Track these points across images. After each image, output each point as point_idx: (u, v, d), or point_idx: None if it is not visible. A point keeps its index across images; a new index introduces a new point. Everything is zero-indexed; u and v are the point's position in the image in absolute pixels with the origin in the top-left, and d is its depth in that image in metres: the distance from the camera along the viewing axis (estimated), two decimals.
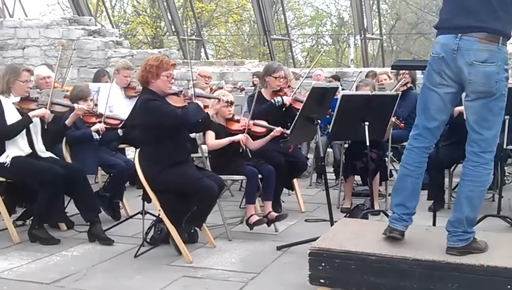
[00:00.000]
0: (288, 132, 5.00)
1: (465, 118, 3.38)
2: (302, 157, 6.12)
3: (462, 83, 3.27)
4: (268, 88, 5.82)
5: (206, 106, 4.95)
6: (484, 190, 3.37)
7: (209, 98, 5.12)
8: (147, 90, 4.46)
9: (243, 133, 5.13)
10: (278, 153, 5.52)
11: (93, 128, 5.37)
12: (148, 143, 4.43)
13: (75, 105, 5.15)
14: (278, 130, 5.26)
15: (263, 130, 5.30)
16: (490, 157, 3.30)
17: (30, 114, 4.80)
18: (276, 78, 5.73)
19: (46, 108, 4.86)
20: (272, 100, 5.61)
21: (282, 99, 5.61)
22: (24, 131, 4.84)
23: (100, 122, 5.46)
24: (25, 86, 4.92)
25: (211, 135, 5.01)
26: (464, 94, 3.36)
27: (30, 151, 4.84)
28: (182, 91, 4.67)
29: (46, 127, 4.96)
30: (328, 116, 5.86)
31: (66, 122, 5.09)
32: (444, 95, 3.35)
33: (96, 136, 5.36)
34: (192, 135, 5.07)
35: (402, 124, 6.18)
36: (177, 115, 4.40)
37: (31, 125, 4.88)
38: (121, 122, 5.61)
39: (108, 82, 7.35)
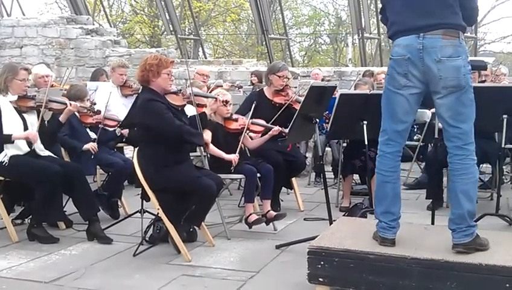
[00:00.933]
0: (287, 131, 5.00)
1: (437, 117, 3.42)
2: (300, 157, 6.13)
3: (429, 81, 3.28)
4: (271, 87, 5.83)
5: (203, 105, 4.95)
6: (476, 181, 3.39)
7: (207, 97, 5.13)
8: (147, 89, 4.45)
9: (242, 132, 5.13)
10: (277, 152, 5.52)
11: (84, 147, 5.35)
12: (147, 142, 4.43)
13: (69, 102, 5.11)
14: (275, 129, 5.27)
15: (261, 129, 5.31)
16: (473, 149, 3.33)
17: (13, 136, 4.74)
18: (280, 77, 5.75)
19: (34, 132, 4.82)
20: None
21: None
22: (22, 129, 4.83)
23: (99, 122, 5.45)
24: (23, 85, 4.92)
25: (207, 134, 5.00)
26: (433, 94, 3.35)
27: (28, 149, 4.84)
28: (180, 90, 4.67)
29: (41, 123, 4.93)
30: (325, 119, 5.88)
31: (60, 118, 5.05)
32: (410, 96, 3.36)
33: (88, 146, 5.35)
34: None
35: None
36: (175, 127, 4.35)
37: (29, 124, 4.88)
38: (118, 123, 5.61)
39: (106, 81, 7.36)
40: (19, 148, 4.80)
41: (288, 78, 5.85)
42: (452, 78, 3.22)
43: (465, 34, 3.39)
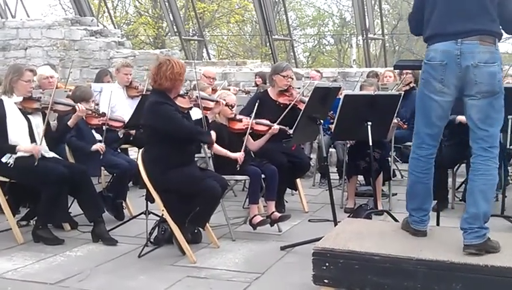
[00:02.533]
0: (291, 131, 5.00)
1: (465, 116, 3.47)
2: (305, 158, 6.12)
3: (464, 86, 3.35)
4: (275, 87, 5.83)
5: (209, 108, 4.95)
6: (495, 183, 3.45)
7: (212, 100, 5.11)
8: (157, 91, 4.42)
9: (245, 132, 5.13)
10: (281, 153, 5.52)
11: (93, 147, 5.36)
12: (153, 144, 4.43)
13: (78, 105, 5.14)
14: (275, 127, 5.27)
15: (265, 128, 5.31)
16: (497, 153, 3.40)
17: (17, 148, 4.73)
18: (284, 76, 5.75)
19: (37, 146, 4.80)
20: None
21: None
22: (27, 131, 4.84)
23: (103, 123, 5.45)
24: (28, 86, 4.93)
25: (212, 135, 5.00)
26: (465, 96, 3.41)
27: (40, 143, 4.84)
28: (187, 92, 4.67)
29: (46, 125, 4.94)
30: (330, 118, 5.87)
31: (69, 123, 5.09)
32: (444, 103, 3.44)
33: (97, 146, 5.36)
34: None
35: (405, 126, 6.19)
36: (185, 128, 4.39)
37: (33, 125, 4.89)
38: (123, 124, 5.62)
39: (110, 82, 7.37)
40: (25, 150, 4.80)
41: (292, 78, 5.85)
42: (487, 84, 3.31)
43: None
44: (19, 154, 4.75)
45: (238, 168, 4.91)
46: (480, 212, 3.33)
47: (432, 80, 3.41)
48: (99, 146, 5.35)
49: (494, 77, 3.31)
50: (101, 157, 5.35)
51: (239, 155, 4.93)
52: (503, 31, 3.42)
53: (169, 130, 4.32)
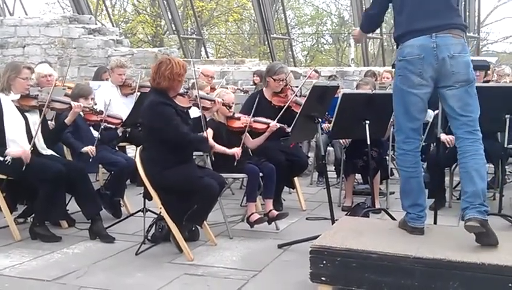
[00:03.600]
0: (289, 129, 5.00)
1: (444, 107, 3.60)
2: (302, 156, 6.12)
3: (440, 77, 3.48)
4: (268, 88, 5.81)
5: (208, 108, 4.96)
6: (485, 164, 3.54)
7: (210, 100, 5.10)
8: (157, 91, 4.40)
9: (244, 130, 5.14)
10: (279, 151, 5.52)
11: (83, 149, 5.33)
12: (151, 142, 4.42)
13: (73, 103, 5.12)
14: (273, 124, 5.28)
15: (264, 126, 5.31)
16: (480, 136, 3.52)
17: (7, 152, 4.67)
18: (275, 80, 5.72)
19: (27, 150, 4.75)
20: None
21: None
22: (24, 129, 4.84)
23: (101, 120, 5.45)
24: (25, 84, 4.92)
25: (208, 133, 5.00)
26: (441, 88, 3.54)
27: (32, 148, 4.84)
28: (187, 91, 4.66)
29: (43, 122, 4.93)
30: (325, 120, 5.87)
31: (66, 120, 5.08)
32: (423, 95, 3.55)
33: (87, 149, 5.34)
34: None
35: None
36: (183, 133, 4.36)
37: (31, 123, 4.88)
38: (121, 121, 5.62)
39: (109, 79, 7.37)
40: (22, 147, 4.80)
41: (283, 80, 5.77)
42: (464, 73, 3.46)
43: (468, 34, 3.61)
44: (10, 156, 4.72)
45: (236, 164, 4.91)
46: (479, 189, 3.42)
47: (410, 74, 3.51)
48: (89, 149, 5.31)
49: (468, 66, 3.48)
50: (90, 160, 5.32)
51: (236, 151, 4.95)
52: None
53: (165, 133, 4.32)
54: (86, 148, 5.32)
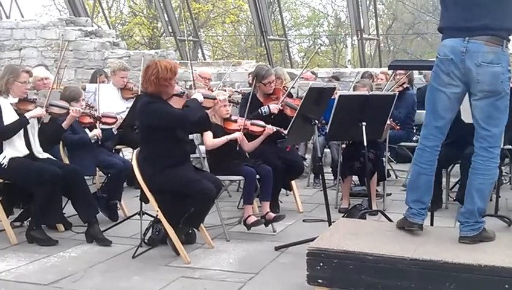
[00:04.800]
0: (285, 132, 5.00)
1: (471, 116, 3.57)
2: (299, 160, 6.09)
3: (469, 83, 3.47)
4: (260, 92, 5.80)
5: (208, 107, 4.95)
6: (493, 182, 3.61)
7: (210, 98, 5.09)
8: (147, 93, 4.41)
9: (240, 132, 5.14)
10: (276, 156, 5.51)
11: (90, 134, 5.36)
12: (148, 144, 4.42)
13: (71, 107, 5.12)
14: (269, 127, 5.27)
15: (260, 129, 5.30)
16: (498, 152, 3.52)
17: (27, 115, 4.79)
18: (265, 84, 5.71)
19: (43, 109, 4.85)
20: (259, 110, 5.57)
21: (269, 108, 5.57)
22: (21, 132, 4.83)
23: (95, 122, 5.45)
24: (24, 87, 4.91)
25: (208, 134, 5.01)
26: (470, 94, 3.54)
27: (27, 152, 4.84)
28: (184, 92, 4.66)
29: (40, 126, 4.94)
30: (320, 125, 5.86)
31: (63, 124, 5.08)
32: (451, 95, 3.55)
33: (94, 139, 5.37)
34: (190, 136, 5.06)
35: (398, 127, 6.20)
36: (179, 114, 4.36)
37: (28, 126, 4.87)
38: (116, 120, 5.61)
39: (105, 82, 7.35)
40: (18, 150, 4.80)
41: (273, 81, 5.74)
42: (489, 84, 3.40)
43: None
44: (13, 154, 4.72)
45: (238, 148, 4.98)
46: (475, 208, 3.50)
47: (440, 72, 3.54)
48: (97, 132, 5.37)
49: (497, 77, 3.40)
50: (100, 142, 5.38)
51: (238, 135, 5.02)
52: None
53: (165, 124, 4.31)
54: (92, 133, 5.37)
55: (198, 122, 4.48)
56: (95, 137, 5.40)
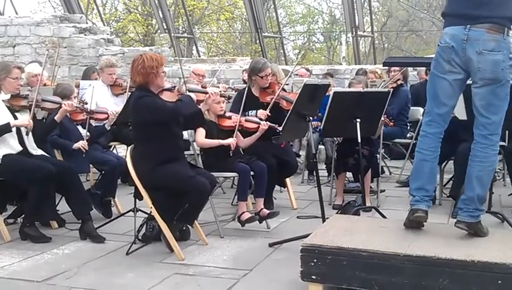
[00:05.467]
0: (280, 128, 5.00)
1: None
2: (293, 159, 6.07)
3: (470, 70, 3.48)
4: (256, 86, 5.79)
5: (200, 101, 4.93)
6: (493, 169, 3.63)
7: (201, 92, 5.08)
8: (141, 88, 4.39)
9: (234, 129, 5.13)
10: (270, 153, 5.49)
11: (75, 145, 5.31)
12: (141, 140, 4.41)
13: (64, 102, 5.11)
14: (264, 123, 5.27)
15: (255, 126, 5.30)
16: (497, 140, 3.53)
17: (11, 122, 4.75)
18: (262, 77, 5.70)
19: (29, 118, 4.81)
20: (245, 113, 5.49)
21: (256, 113, 5.51)
22: (14, 129, 4.81)
23: (87, 118, 5.44)
24: (16, 83, 4.91)
25: (201, 132, 5.00)
26: (470, 81, 3.56)
27: (21, 149, 4.82)
28: (175, 86, 4.66)
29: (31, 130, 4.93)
30: (316, 117, 5.87)
31: (55, 117, 5.07)
32: (453, 81, 3.56)
33: (78, 145, 5.32)
34: (184, 133, 5.05)
35: (391, 123, 6.21)
36: (171, 108, 4.35)
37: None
38: (108, 115, 5.60)
39: (98, 79, 7.35)
40: (12, 147, 4.79)
41: (269, 74, 5.74)
42: (490, 71, 3.42)
43: None
44: (6, 151, 4.72)
45: (231, 154, 4.96)
46: (475, 195, 3.52)
47: (441, 60, 3.56)
48: (81, 144, 5.30)
49: (497, 65, 3.41)
50: (84, 155, 5.31)
51: (231, 141, 5.00)
52: None
53: (157, 118, 4.30)
54: (77, 145, 5.31)
55: (191, 116, 4.48)
56: (79, 147, 5.31)
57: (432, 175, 3.71)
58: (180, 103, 4.42)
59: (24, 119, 4.82)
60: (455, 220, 3.68)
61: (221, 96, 5.14)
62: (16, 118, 4.87)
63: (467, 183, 3.60)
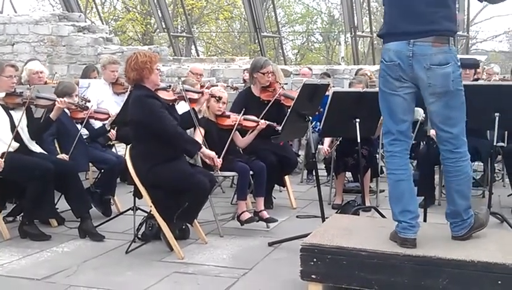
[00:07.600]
0: (279, 127, 5.00)
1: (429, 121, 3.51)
2: (292, 155, 6.08)
3: (419, 86, 3.36)
4: (257, 84, 5.79)
5: (195, 100, 4.93)
6: (470, 178, 3.51)
7: (197, 92, 5.07)
8: (139, 86, 4.39)
9: (233, 127, 5.13)
10: (269, 151, 5.50)
11: (59, 155, 5.27)
12: (141, 139, 4.40)
13: (58, 99, 5.08)
14: (262, 122, 5.27)
15: (254, 124, 5.30)
16: (465, 150, 3.42)
17: None
18: (264, 74, 5.70)
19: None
20: None
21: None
22: (9, 127, 4.80)
23: (90, 117, 5.43)
24: (10, 82, 4.87)
25: (198, 134, 4.98)
26: (424, 98, 3.41)
27: (17, 145, 4.80)
28: (170, 86, 4.66)
29: (28, 119, 4.91)
30: (318, 112, 5.86)
31: (51, 115, 5.03)
32: (406, 95, 3.41)
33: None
34: None
35: None
36: (173, 131, 4.32)
37: (16, 121, 4.83)
38: (108, 116, 5.59)
39: (97, 77, 7.35)
40: (6, 144, 4.76)
41: (270, 72, 5.75)
42: (441, 86, 3.29)
43: (458, 33, 3.43)
44: (5, 149, 4.70)
45: (215, 171, 4.77)
46: (459, 209, 3.44)
47: (389, 78, 3.40)
48: (63, 157, 5.21)
49: (447, 77, 3.27)
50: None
51: (217, 163, 4.68)
52: (486, 2, 3.48)
53: (153, 127, 4.30)
54: (59, 156, 5.21)
55: (184, 149, 4.51)
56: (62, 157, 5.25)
57: (411, 194, 3.52)
58: (186, 137, 4.48)
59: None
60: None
61: (212, 96, 5.12)
62: (10, 116, 4.85)
63: (448, 198, 3.51)
